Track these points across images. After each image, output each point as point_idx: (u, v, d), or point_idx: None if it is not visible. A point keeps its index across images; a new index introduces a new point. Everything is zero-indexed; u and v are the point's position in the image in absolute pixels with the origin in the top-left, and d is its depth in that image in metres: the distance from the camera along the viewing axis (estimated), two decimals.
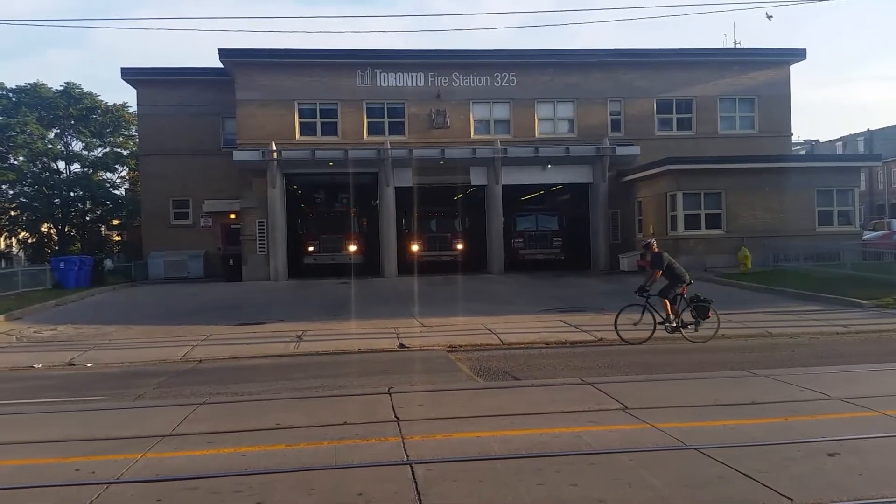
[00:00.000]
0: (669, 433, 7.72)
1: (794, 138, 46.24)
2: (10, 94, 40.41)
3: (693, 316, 14.64)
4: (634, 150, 32.30)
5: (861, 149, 67.08)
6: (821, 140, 76.47)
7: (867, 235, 33.80)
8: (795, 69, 36.34)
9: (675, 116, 34.58)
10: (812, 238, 28.01)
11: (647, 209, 31.40)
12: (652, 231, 30.51)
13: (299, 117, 32.74)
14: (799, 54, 35.30)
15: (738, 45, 38.73)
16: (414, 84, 33.24)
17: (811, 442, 7.42)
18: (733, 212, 28.71)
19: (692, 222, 28.78)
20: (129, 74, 35.99)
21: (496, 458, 7.14)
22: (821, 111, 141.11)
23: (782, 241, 27.64)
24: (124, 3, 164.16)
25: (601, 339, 14.95)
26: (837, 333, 15.29)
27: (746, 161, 29.78)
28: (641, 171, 31.21)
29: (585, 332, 15.81)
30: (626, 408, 8.88)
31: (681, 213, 28.69)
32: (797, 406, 8.92)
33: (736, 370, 11.52)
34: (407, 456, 7.22)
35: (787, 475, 6.44)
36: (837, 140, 72.94)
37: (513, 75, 33.57)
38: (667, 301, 14.70)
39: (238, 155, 31.12)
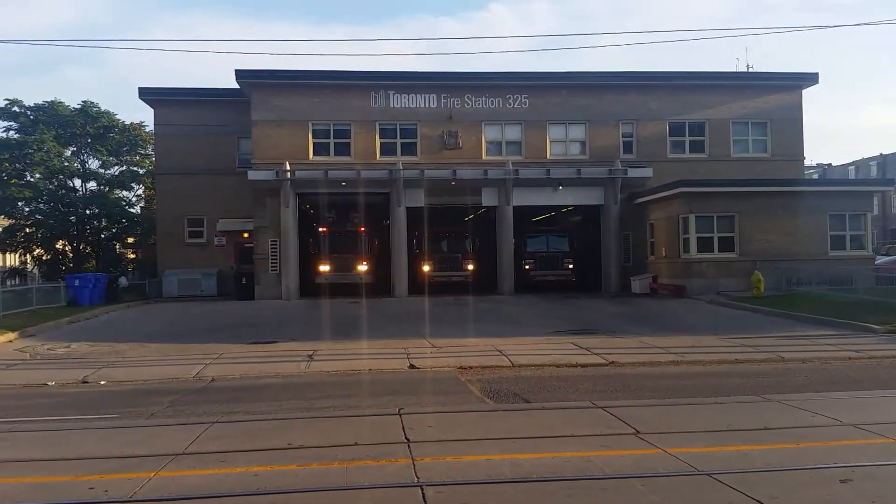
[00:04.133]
0: (682, 458, 7.71)
1: (807, 162, 46.11)
2: (28, 112, 40.78)
3: None
4: (647, 172, 32.34)
5: (874, 173, 66.91)
6: (833, 164, 76.30)
7: (880, 260, 33.62)
8: (808, 93, 36.40)
9: (687, 139, 34.63)
10: (825, 262, 27.90)
11: (659, 231, 31.37)
12: (664, 254, 30.47)
13: (313, 137, 33.01)
14: (811, 78, 35.36)
15: (750, 69, 38.87)
16: (427, 105, 33.48)
17: (824, 468, 7.39)
18: (746, 235, 28.64)
19: (705, 245, 28.71)
20: (147, 94, 36.43)
21: (507, 482, 7.15)
22: (833, 135, 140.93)
23: (795, 264, 27.54)
24: (141, 23, 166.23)
25: (612, 363, 14.92)
26: (850, 358, 15.20)
27: (759, 184, 29.76)
28: (654, 193, 31.21)
29: (597, 354, 15.78)
30: (638, 432, 8.87)
31: (693, 236, 28.64)
32: (809, 432, 8.90)
33: (748, 395, 11.47)
34: (417, 478, 7.24)
35: (799, 501, 6.42)
36: (850, 164, 72.76)
37: (525, 97, 33.74)
38: None
39: (252, 174, 31.39)
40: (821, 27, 68.67)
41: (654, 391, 12.08)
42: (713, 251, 28.71)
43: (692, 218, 28.71)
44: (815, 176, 67.03)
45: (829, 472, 7.26)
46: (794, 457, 7.84)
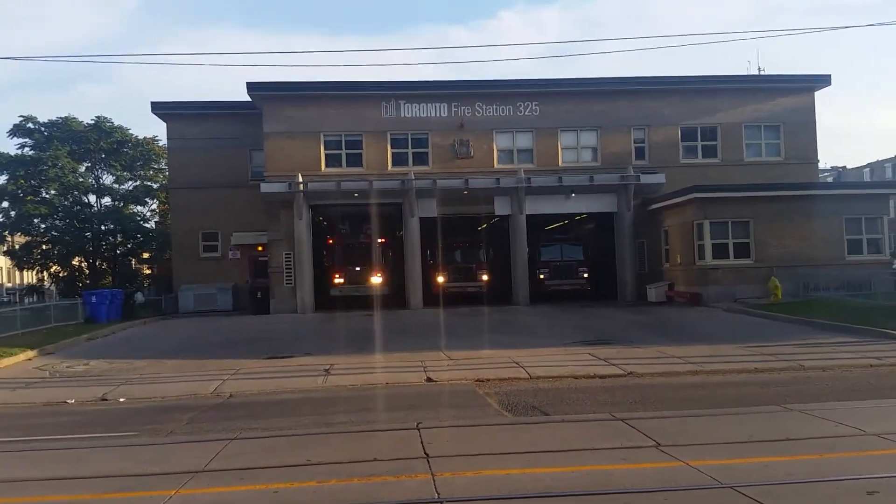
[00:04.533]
0: (704, 471, 7.64)
1: (821, 165, 45.85)
2: (43, 129, 41.18)
3: None
4: (659, 178, 32.22)
5: (889, 175, 66.33)
6: (848, 167, 75.73)
7: None
8: (821, 95, 36.16)
9: (700, 144, 34.46)
10: (842, 267, 27.65)
11: (673, 238, 31.21)
12: (679, 261, 30.30)
13: (325, 149, 33.09)
14: (824, 80, 35.16)
15: (762, 72, 38.65)
16: (438, 114, 33.52)
17: (849, 480, 7.31)
18: (762, 240, 28.44)
19: (720, 251, 28.52)
20: (159, 108, 36.63)
21: (528, 497, 7.11)
22: (847, 137, 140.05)
23: (812, 270, 27.31)
24: (154, 38, 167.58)
25: (631, 373, 14.83)
26: (871, 366, 15.04)
27: (773, 189, 29.57)
28: (667, 199, 31.05)
29: (615, 365, 15.69)
30: (659, 444, 8.80)
31: (708, 243, 28.47)
32: (833, 442, 8.80)
33: (769, 405, 11.36)
34: (437, 493, 7.21)
35: None
36: (865, 166, 72.19)
37: (536, 104, 33.72)
38: None
39: (265, 187, 31.49)
40: (832, 28, 68.30)
41: (673, 402, 12.00)
42: (729, 258, 28.52)
43: (706, 224, 28.55)
44: (830, 179, 66.46)
45: (855, 483, 7.17)
46: (818, 468, 7.76)
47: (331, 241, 35.11)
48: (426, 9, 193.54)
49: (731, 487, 7.13)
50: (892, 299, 23.00)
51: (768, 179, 31.60)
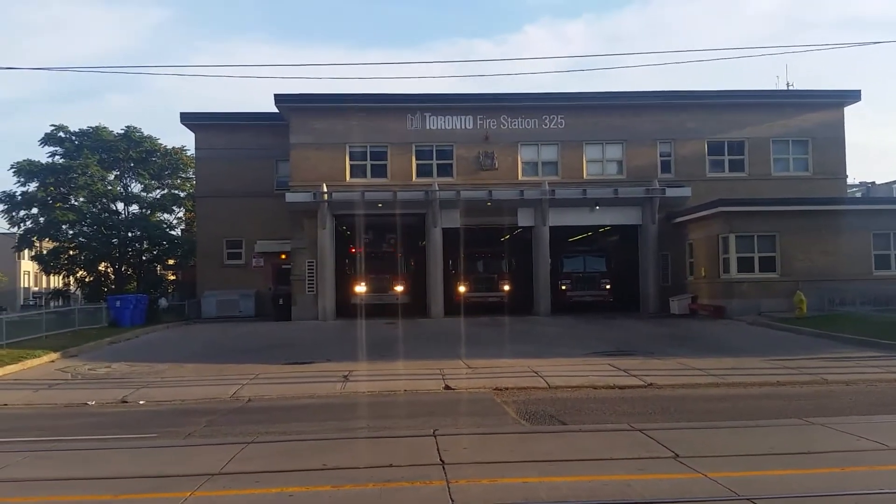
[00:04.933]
0: (722, 483, 7.54)
1: (850, 180, 45.18)
2: (73, 138, 41.81)
3: None
4: (685, 191, 32.01)
5: None
6: (877, 182, 74.66)
7: None
8: (850, 110, 35.83)
9: (726, 158, 34.22)
10: (869, 282, 27.28)
11: (698, 251, 30.97)
12: (704, 274, 30.05)
13: (350, 160, 33.28)
14: (853, 96, 34.80)
15: (791, 87, 38.31)
16: (462, 127, 33.61)
17: (869, 494, 7.18)
18: (788, 255, 28.12)
19: (745, 265, 28.24)
20: (188, 119, 37.14)
21: None
22: (877, 152, 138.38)
23: (838, 284, 26.95)
24: (183, 50, 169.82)
25: (651, 384, 14.70)
26: None
27: (801, 203, 29.27)
28: (692, 212, 30.84)
29: (634, 376, 15.57)
30: (678, 456, 8.70)
31: (733, 256, 28.21)
32: (854, 456, 8.66)
33: (791, 418, 11.22)
34: (452, 500, 7.19)
35: None
36: (894, 182, 71.14)
37: (561, 117, 33.70)
38: None
39: (290, 197, 31.72)
40: (860, 44, 67.55)
41: (693, 414, 11.87)
42: (754, 271, 28.23)
43: (732, 238, 28.29)
44: (859, 194, 65.61)
45: (876, 498, 7.06)
46: (838, 482, 7.64)
47: (353, 250, 35.26)
48: (452, 23, 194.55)
49: (748, 500, 7.04)
50: None
51: (796, 194, 31.32)
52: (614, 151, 34.07)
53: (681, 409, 12.22)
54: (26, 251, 45.03)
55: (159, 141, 43.61)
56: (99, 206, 41.93)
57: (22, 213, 41.66)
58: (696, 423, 11.08)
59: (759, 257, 28.31)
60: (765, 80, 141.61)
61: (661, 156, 33.88)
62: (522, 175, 33.43)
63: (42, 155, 44.40)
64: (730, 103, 34.34)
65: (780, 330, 23.72)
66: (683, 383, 14.88)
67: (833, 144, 34.31)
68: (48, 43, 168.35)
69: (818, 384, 14.66)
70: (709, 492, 7.37)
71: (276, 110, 33.45)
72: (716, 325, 25.99)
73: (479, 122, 33.53)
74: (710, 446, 9.41)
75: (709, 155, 34.07)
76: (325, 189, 31.40)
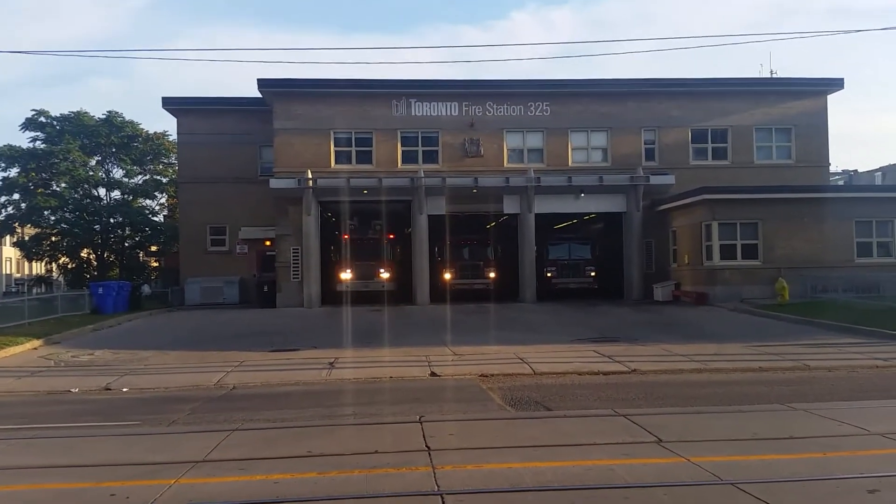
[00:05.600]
0: (705, 467, 7.59)
1: (832, 168, 45.59)
2: (55, 123, 41.39)
3: None
4: (669, 179, 32.14)
5: None
6: (859, 170, 75.29)
7: None
8: (833, 98, 36.03)
9: (710, 146, 34.38)
10: (851, 269, 27.53)
11: (681, 239, 31.12)
12: (687, 261, 30.22)
13: (335, 146, 33.15)
14: (836, 84, 35.00)
15: (774, 75, 38.47)
16: (448, 113, 33.54)
17: (850, 478, 7.25)
18: (770, 242, 28.31)
19: (728, 252, 28.42)
20: (170, 104, 36.80)
21: (528, 490, 7.08)
22: (859, 140, 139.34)
23: (820, 272, 27.19)
24: (166, 35, 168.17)
25: (635, 370, 14.79)
26: (877, 367, 14.95)
27: (783, 191, 29.46)
28: (676, 200, 30.97)
29: (619, 362, 15.66)
30: (661, 441, 8.76)
31: (716, 243, 28.37)
32: (836, 441, 8.73)
33: (773, 403, 11.31)
34: (438, 486, 7.19)
35: None
36: (876, 170, 71.75)
37: (546, 104, 33.70)
38: None
39: (274, 183, 31.55)
40: (845, 32, 67.69)
41: (676, 399, 11.95)
42: (736, 258, 28.41)
43: (715, 225, 28.45)
44: (841, 182, 66.16)
45: (857, 482, 7.12)
46: (820, 466, 7.70)
47: (339, 237, 35.19)
48: (438, 8, 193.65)
49: (732, 484, 7.08)
50: None
51: (779, 182, 31.54)
52: (599, 139, 34.13)
53: (664, 395, 12.30)
54: (8, 237, 44.78)
55: (141, 126, 43.34)
56: (81, 192, 41.60)
57: (3, 198, 41.40)
58: (679, 409, 11.16)
59: (742, 244, 28.49)
60: (751, 69, 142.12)
61: (645, 143, 34.00)
62: (508, 162, 33.44)
63: (23, 140, 43.94)
64: (714, 91, 34.48)
65: (762, 317, 23.91)
66: (667, 369, 14.99)
67: (816, 132, 34.53)
68: (30, 26, 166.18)
69: (800, 370, 14.79)
70: (692, 476, 7.41)
71: (260, 95, 33.23)
72: (698, 311, 26.14)
73: (464, 108, 33.47)
74: (694, 431, 9.47)
75: (693, 143, 34.21)
76: (310, 175, 31.26)
